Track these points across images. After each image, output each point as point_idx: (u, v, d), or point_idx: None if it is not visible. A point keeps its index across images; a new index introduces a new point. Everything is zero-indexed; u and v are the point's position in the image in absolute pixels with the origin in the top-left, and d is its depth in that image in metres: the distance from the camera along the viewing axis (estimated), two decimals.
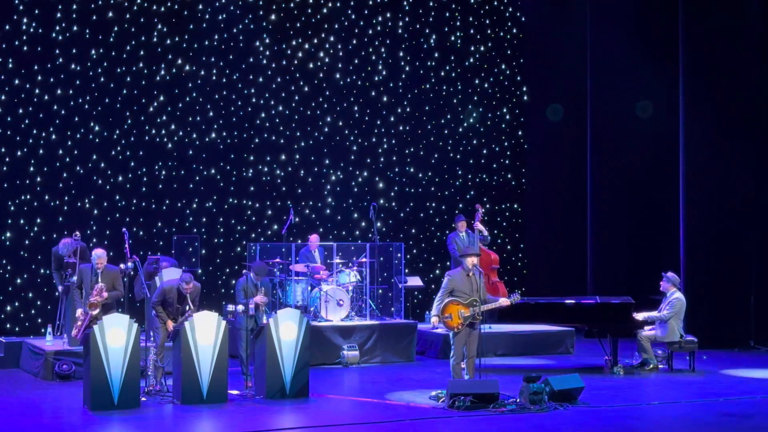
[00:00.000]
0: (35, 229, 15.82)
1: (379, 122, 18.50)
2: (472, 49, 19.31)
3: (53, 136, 16.04)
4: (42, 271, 15.69)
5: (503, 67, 19.59)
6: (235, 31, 17.34)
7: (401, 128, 18.67)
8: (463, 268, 11.54)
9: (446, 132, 19.04)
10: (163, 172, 16.81)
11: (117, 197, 16.44)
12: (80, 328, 12.13)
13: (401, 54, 18.71)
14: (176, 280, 11.85)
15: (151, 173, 16.72)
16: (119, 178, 16.49)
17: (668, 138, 17.18)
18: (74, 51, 16.18)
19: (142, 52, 16.63)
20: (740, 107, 16.36)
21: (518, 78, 19.74)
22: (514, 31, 19.71)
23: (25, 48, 15.87)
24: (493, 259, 15.88)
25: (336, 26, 18.15)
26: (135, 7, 16.56)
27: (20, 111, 15.84)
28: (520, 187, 19.74)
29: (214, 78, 17.19)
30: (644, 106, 17.77)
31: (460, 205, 18.76)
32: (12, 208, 15.74)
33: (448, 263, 17.84)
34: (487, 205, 19.04)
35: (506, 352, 15.23)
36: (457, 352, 11.48)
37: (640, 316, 13.54)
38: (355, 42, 18.32)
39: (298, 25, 17.87)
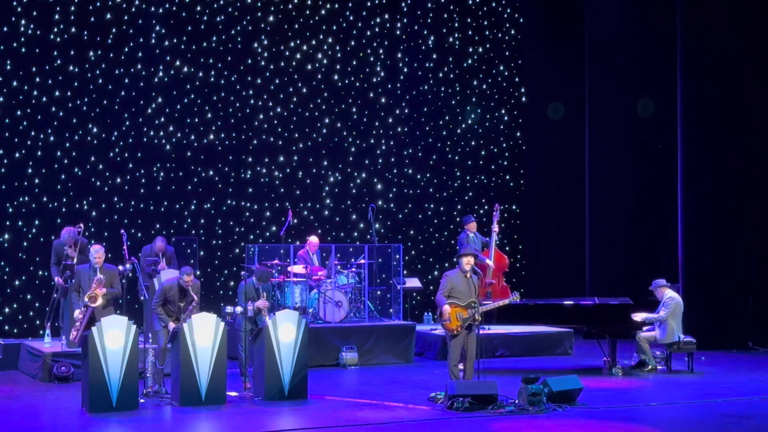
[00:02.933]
0: (33, 230, 15.80)
1: (377, 124, 18.49)
2: (471, 50, 19.31)
3: (51, 138, 16.03)
4: (40, 273, 15.67)
5: (501, 68, 19.58)
6: (233, 32, 17.34)
7: (399, 129, 18.66)
8: (460, 269, 11.52)
9: (444, 133, 19.03)
10: (162, 174, 16.79)
11: (115, 199, 16.44)
12: (79, 329, 12.11)
13: (399, 55, 18.70)
14: (175, 278, 11.86)
15: (150, 175, 16.71)
16: (117, 180, 16.48)
17: (666, 139, 17.19)
18: (72, 53, 16.18)
19: (140, 54, 16.62)
20: (739, 107, 16.34)
21: (516, 79, 19.74)
22: (513, 32, 19.72)
23: (23, 50, 15.86)
24: (507, 263, 15.97)
25: (334, 27, 18.15)
26: (133, 9, 16.55)
27: (18, 113, 15.83)
28: (519, 189, 19.74)
29: (212, 79, 17.19)
30: (645, 105, 17.76)
31: (459, 207, 18.77)
32: (10, 210, 15.72)
33: (446, 264, 17.88)
34: (485, 207, 19.04)
35: (505, 353, 15.22)
36: (454, 354, 11.45)
37: (638, 317, 13.53)
38: (353, 43, 18.32)
39: (296, 26, 17.86)
